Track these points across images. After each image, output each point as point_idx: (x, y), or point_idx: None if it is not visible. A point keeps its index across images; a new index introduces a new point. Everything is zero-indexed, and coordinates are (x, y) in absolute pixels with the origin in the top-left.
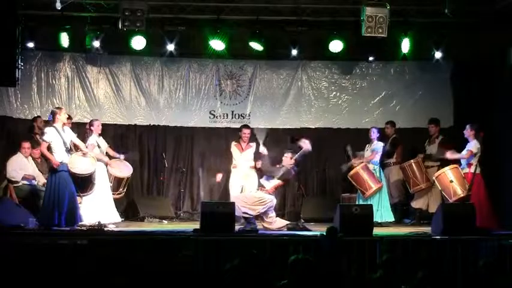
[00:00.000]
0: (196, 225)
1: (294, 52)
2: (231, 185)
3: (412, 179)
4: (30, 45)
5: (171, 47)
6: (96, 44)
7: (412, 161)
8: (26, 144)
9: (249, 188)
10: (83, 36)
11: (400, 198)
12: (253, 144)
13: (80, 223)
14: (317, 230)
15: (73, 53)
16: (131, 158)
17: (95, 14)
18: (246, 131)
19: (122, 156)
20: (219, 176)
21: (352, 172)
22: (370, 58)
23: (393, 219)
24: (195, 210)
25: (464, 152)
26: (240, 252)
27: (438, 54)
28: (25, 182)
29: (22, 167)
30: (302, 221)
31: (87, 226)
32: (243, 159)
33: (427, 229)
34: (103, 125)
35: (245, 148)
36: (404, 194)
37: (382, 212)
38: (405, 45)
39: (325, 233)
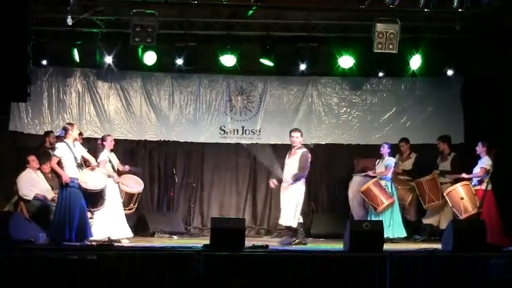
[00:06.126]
0: (206, 241)
1: (305, 68)
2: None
3: (428, 195)
4: (41, 61)
5: (181, 62)
6: (108, 59)
7: (428, 176)
8: (32, 157)
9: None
10: (93, 52)
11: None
12: (300, 152)
13: (90, 238)
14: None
15: (84, 68)
16: (134, 171)
17: (106, 30)
18: (294, 134)
19: (127, 167)
20: (275, 182)
21: (363, 188)
22: (381, 74)
23: (405, 235)
24: (205, 226)
25: (477, 170)
26: (250, 269)
27: (449, 71)
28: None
29: (33, 183)
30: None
31: (97, 241)
32: (288, 166)
33: (437, 245)
34: (114, 140)
35: (292, 154)
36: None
37: (394, 227)
38: (416, 62)
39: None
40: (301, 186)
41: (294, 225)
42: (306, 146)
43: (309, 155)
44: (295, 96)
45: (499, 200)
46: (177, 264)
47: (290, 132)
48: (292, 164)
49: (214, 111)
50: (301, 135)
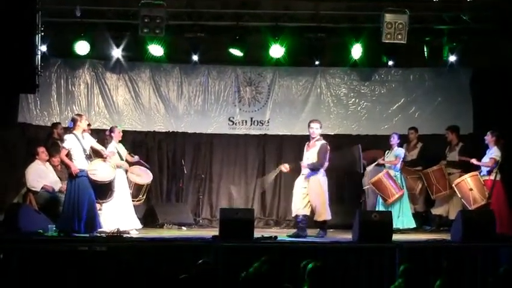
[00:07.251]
0: (215, 232)
1: (313, 59)
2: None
3: (435, 186)
4: (50, 52)
5: (190, 53)
6: (116, 51)
7: (435, 167)
8: (41, 149)
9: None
10: (102, 43)
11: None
12: (319, 143)
13: (99, 230)
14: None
15: (92, 59)
16: (138, 159)
17: (115, 21)
18: (313, 126)
19: (136, 158)
20: (286, 166)
21: (374, 179)
22: (390, 64)
23: (414, 225)
24: (214, 217)
25: (487, 160)
26: (259, 259)
27: (457, 60)
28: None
29: (41, 175)
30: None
31: (107, 233)
32: (305, 159)
33: (446, 236)
34: (122, 131)
35: (310, 146)
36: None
37: (404, 218)
38: (424, 52)
39: None
40: (321, 178)
41: (328, 217)
42: None
43: (328, 147)
44: (303, 87)
45: (508, 190)
46: (186, 256)
47: (309, 123)
48: (311, 156)
49: (223, 102)
50: (321, 127)
